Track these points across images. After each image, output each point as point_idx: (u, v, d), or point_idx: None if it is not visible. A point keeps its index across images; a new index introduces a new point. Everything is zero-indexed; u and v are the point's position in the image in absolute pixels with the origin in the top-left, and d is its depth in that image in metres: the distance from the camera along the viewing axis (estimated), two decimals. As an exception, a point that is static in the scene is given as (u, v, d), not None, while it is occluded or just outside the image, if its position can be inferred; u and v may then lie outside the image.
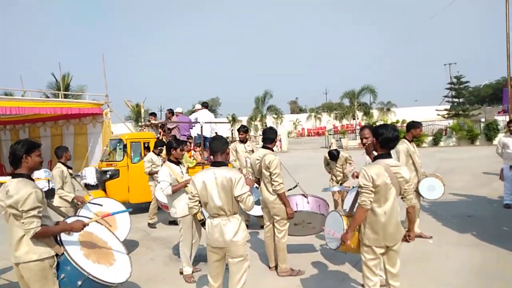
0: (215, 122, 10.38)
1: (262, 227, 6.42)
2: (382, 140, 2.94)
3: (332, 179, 6.59)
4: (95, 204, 5.10)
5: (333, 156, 6.42)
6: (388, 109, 51.37)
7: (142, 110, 17.18)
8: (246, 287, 3.11)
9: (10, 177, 2.91)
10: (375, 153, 3.15)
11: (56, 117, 15.37)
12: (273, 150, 4.49)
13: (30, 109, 12.65)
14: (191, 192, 3.13)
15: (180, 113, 10.40)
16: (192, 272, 4.49)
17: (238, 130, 6.90)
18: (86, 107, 14.36)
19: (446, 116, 38.70)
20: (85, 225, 3.01)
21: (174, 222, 7.17)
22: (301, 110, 71.36)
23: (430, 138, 23.95)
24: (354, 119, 46.54)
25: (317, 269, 4.57)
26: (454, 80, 41.78)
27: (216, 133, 9.61)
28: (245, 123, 47.90)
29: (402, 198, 3.01)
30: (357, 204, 2.98)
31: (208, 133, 9.39)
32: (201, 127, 8.77)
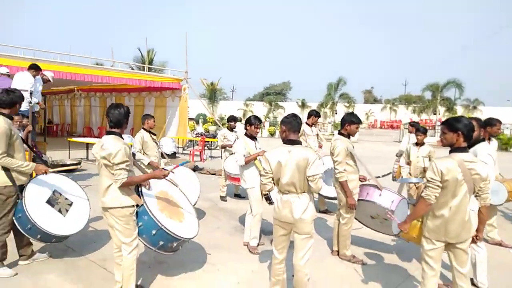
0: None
1: (321, 211, 6.44)
2: (468, 132, 2.74)
3: (410, 173, 6.24)
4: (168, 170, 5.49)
5: (419, 130, 6.09)
6: (475, 107, 46.86)
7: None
8: (308, 267, 3.16)
9: (98, 139, 3.34)
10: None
11: (140, 89, 16.61)
12: (348, 137, 4.38)
13: (118, 79, 13.84)
14: (264, 169, 3.22)
15: (4, 75, 7.38)
16: (257, 245, 4.66)
17: (310, 114, 6.85)
18: (167, 82, 15.27)
19: (545, 119, 34.17)
20: (165, 174, 3.26)
21: (239, 195, 7.49)
22: (375, 101, 68.20)
23: (522, 142, 21.41)
24: (434, 114, 43.26)
25: (381, 262, 4.46)
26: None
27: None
28: (315, 109, 47.18)
29: (476, 196, 2.81)
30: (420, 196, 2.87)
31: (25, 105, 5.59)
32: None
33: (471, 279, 3.56)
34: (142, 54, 31.68)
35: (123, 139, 3.21)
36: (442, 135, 2.86)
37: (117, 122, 3.17)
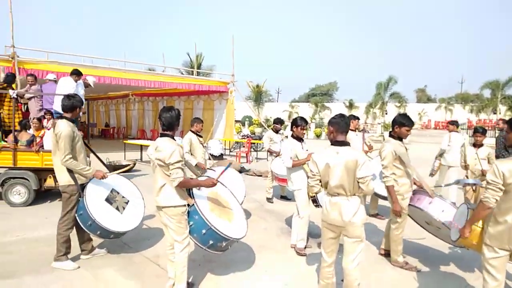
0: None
1: (371, 215, 6.22)
2: None
3: (466, 176, 5.86)
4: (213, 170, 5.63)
5: (478, 130, 5.73)
6: (542, 106, 42.88)
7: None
8: (359, 271, 3.08)
9: (152, 141, 3.50)
10: None
11: (189, 93, 17.18)
12: (400, 140, 4.16)
13: (169, 83, 14.44)
14: (312, 171, 3.18)
15: (52, 80, 8.14)
16: (305, 248, 4.63)
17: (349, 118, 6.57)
18: (215, 85, 15.65)
19: None
20: (214, 183, 3.39)
21: (285, 197, 7.48)
22: (429, 100, 64.83)
23: None
24: (495, 113, 40.21)
25: (436, 269, 4.22)
26: None
27: None
28: (363, 109, 45.85)
29: None
30: (479, 199, 2.69)
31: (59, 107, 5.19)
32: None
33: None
34: (191, 59, 32.71)
35: (175, 140, 3.34)
36: (506, 134, 2.67)
37: (169, 124, 3.30)
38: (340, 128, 3.11)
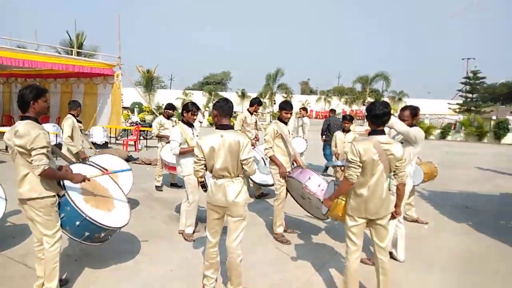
0: None
1: (257, 196, 6.62)
2: (372, 117, 2.99)
3: (337, 158, 6.62)
4: (95, 164, 5.22)
5: (346, 118, 6.52)
6: (400, 99, 50.62)
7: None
8: (242, 249, 3.22)
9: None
10: None
11: (68, 75, 15.43)
12: (285, 123, 4.70)
13: (42, 63, 12.71)
14: (197, 156, 3.19)
15: None
16: (193, 233, 4.63)
17: (253, 103, 6.82)
18: (98, 67, 14.38)
19: (458, 110, 38.18)
20: (84, 180, 3.15)
21: (175, 185, 7.36)
22: (311, 92, 70.61)
23: (438, 131, 23.77)
24: (364, 105, 46.07)
25: (309, 241, 4.69)
26: (470, 75, 40.92)
27: None
28: (258, 97, 47.44)
29: (394, 175, 3.05)
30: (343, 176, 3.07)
31: None
32: None
33: (390, 253, 3.89)
34: (70, 38, 29.33)
35: (40, 123, 2.95)
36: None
37: (22, 105, 2.89)
38: (223, 112, 3.16)
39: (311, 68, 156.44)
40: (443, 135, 23.40)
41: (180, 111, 5.43)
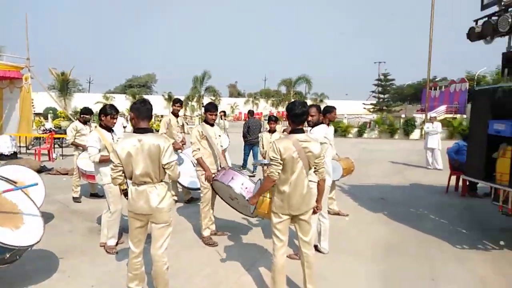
0: None
1: (186, 201, 6.49)
2: (292, 116, 3.11)
3: (264, 157, 6.78)
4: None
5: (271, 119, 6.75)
6: (321, 100, 53.63)
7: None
8: (168, 256, 3.12)
9: None
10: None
11: (-35, 78, 13.58)
12: (211, 125, 4.74)
13: None
14: (113, 162, 3.00)
15: None
16: (116, 244, 4.37)
17: (174, 102, 6.68)
18: (2, 70, 12.85)
19: (372, 110, 41.67)
20: None
21: (96, 195, 6.88)
22: (239, 94, 71.49)
23: (355, 129, 25.67)
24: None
25: (239, 241, 4.73)
26: (382, 77, 45.02)
27: None
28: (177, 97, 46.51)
29: (314, 171, 3.19)
30: (266, 174, 3.14)
31: None
32: None
33: (315, 246, 4.07)
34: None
35: None
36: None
37: None
38: (141, 114, 3.02)
39: (238, 71, 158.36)
40: (360, 133, 25.31)
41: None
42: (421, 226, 5.45)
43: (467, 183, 7.38)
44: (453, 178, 8.00)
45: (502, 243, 4.70)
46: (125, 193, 4.38)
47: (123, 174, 3.02)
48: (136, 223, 3.05)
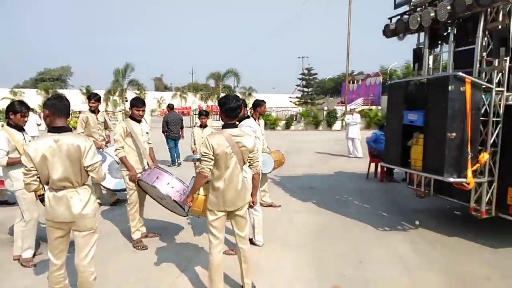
0: None
1: (112, 204, 6.11)
2: (226, 110, 3.04)
3: (194, 152, 6.64)
4: None
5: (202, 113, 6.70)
6: (250, 94, 54.44)
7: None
8: (95, 263, 2.88)
9: None
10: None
11: None
12: (138, 121, 4.50)
13: None
14: (25, 166, 2.66)
15: None
16: (33, 256, 3.93)
17: (89, 97, 6.19)
18: None
19: (297, 103, 43.43)
20: None
21: (5, 202, 6.16)
22: (166, 88, 69.36)
23: (283, 122, 26.51)
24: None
25: (173, 242, 4.58)
26: (305, 72, 47.07)
27: None
28: (102, 97, 43.66)
29: (249, 166, 3.18)
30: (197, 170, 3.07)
31: None
32: None
33: (250, 239, 4.09)
34: None
35: None
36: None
37: None
38: (57, 112, 2.70)
39: (164, 64, 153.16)
40: (287, 126, 26.19)
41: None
42: (347, 212, 5.81)
43: (385, 169, 8.05)
44: (373, 165, 8.66)
45: (417, 222, 5.21)
46: (41, 199, 3.97)
47: (38, 179, 2.70)
48: (57, 232, 2.76)
